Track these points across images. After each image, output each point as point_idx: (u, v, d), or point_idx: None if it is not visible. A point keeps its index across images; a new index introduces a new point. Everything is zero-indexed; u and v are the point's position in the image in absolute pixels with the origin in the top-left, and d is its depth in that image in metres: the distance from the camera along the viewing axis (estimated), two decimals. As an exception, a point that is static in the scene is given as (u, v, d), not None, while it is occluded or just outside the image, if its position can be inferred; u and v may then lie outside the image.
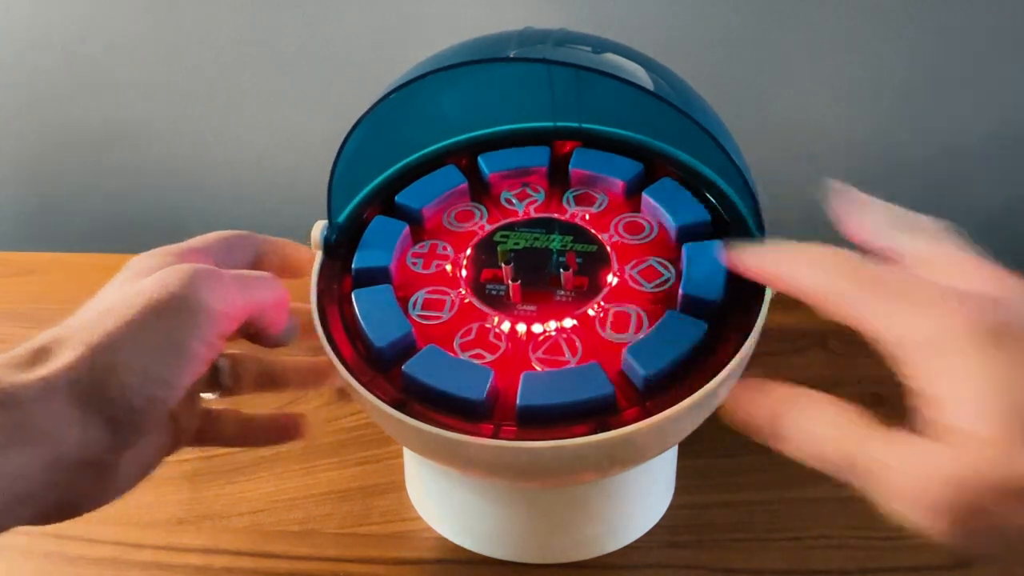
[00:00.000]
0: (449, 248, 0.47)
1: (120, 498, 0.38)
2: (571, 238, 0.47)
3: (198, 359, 0.35)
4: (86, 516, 0.54)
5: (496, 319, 0.43)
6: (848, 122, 0.71)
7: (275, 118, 0.73)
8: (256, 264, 0.43)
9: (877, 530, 0.52)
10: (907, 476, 0.29)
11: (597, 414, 0.39)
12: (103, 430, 0.33)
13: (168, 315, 0.34)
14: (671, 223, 0.46)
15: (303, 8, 0.68)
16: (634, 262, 0.46)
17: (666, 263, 0.45)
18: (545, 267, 0.45)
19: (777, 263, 0.34)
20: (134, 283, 0.36)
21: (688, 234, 0.46)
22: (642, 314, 0.43)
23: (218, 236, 0.42)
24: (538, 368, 0.41)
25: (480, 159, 0.52)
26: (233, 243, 0.42)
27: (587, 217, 0.49)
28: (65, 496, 0.34)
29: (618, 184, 0.50)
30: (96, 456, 0.33)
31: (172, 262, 0.37)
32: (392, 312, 0.43)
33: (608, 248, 0.46)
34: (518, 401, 0.39)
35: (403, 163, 0.52)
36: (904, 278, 0.31)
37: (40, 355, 0.33)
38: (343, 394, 0.61)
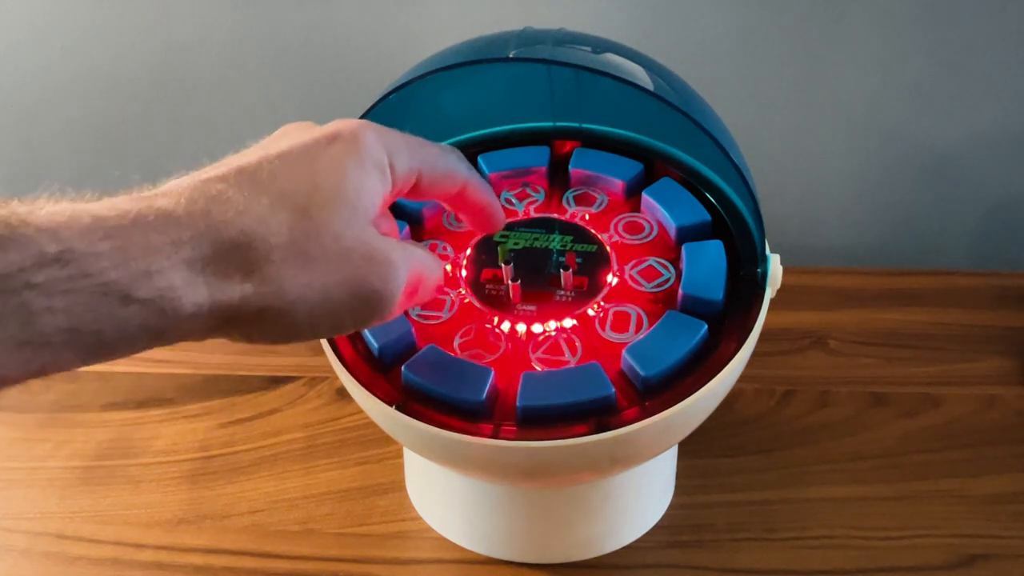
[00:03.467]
0: (449, 248, 0.47)
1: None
2: (571, 238, 0.47)
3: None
4: (86, 516, 0.54)
5: (496, 319, 0.43)
6: (848, 122, 0.71)
7: (275, 118, 0.73)
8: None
9: (877, 530, 0.52)
10: None
11: (597, 414, 0.39)
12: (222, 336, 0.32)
13: (358, 312, 0.33)
14: (671, 223, 0.46)
15: (303, 8, 0.68)
16: (634, 262, 0.46)
17: (666, 263, 0.45)
18: (545, 267, 0.45)
19: None
20: (347, 230, 0.32)
21: (688, 234, 0.46)
22: (642, 314, 0.43)
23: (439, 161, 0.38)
24: (538, 368, 0.41)
25: (480, 159, 0.52)
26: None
27: (587, 217, 0.49)
28: None
29: (618, 184, 0.50)
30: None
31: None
32: (392, 312, 0.43)
33: (608, 248, 0.46)
34: (518, 401, 0.39)
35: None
36: None
37: (234, 262, 0.30)
38: (343, 394, 0.61)
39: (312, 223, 0.31)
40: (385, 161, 0.34)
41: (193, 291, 0.29)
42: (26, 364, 0.26)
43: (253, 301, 0.30)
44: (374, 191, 0.33)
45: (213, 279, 0.29)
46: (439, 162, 0.37)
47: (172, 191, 0.30)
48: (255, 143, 0.34)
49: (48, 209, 0.27)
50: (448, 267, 0.46)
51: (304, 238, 0.31)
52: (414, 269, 0.34)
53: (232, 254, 0.30)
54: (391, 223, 0.39)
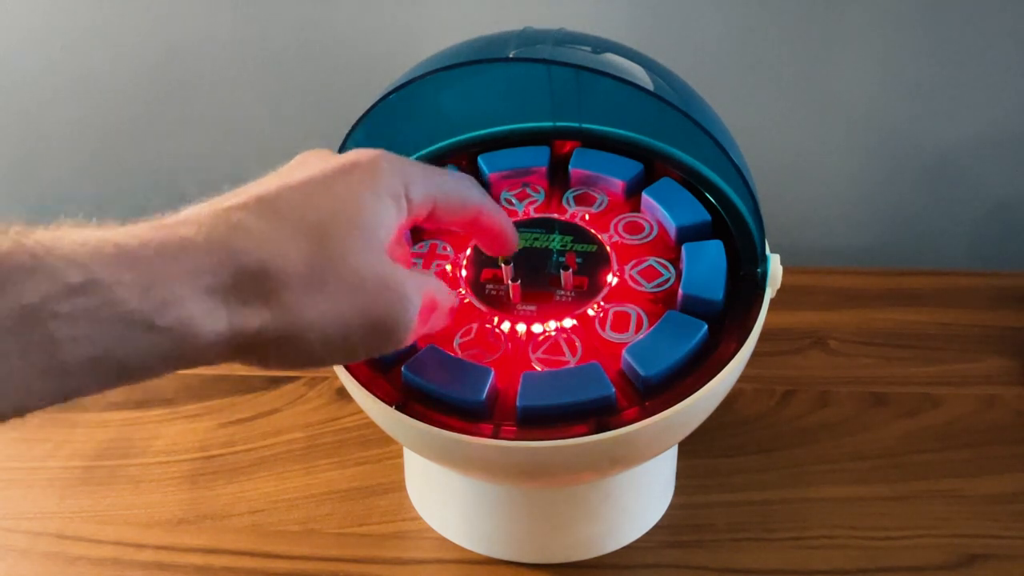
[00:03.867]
0: (449, 248, 0.47)
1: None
2: (571, 238, 0.47)
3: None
4: (86, 516, 0.54)
5: (496, 319, 0.43)
6: (849, 122, 0.71)
7: (275, 118, 0.73)
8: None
9: (877, 530, 0.52)
10: None
11: (597, 414, 0.39)
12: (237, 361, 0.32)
13: (369, 339, 0.33)
14: (671, 223, 0.46)
15: (303, 8, 0.68)
16: (634, 262, 0.46)
17: (666, 263, 0.45)
18: (545, 267, 0.45)
19: None
20: (360, 257, 0.32)
21: (688, 234, 0.46)
22: (642, 314, 0.43)
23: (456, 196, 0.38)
24: (538, 368, 0.41)
25: (480, 159, 0.52)
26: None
27: (587, 217, 0.49)
28: None
29: (618, 184, 0.50)
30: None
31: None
32: (392, 312, 0.43)
33: (608, 248, 0.46)
34: (518, 401, 0.39)
35: (403, 163, 0.52)
36: None
37: (253, 290, 0.30)
38: (343, 394, 0.61)
39: (329, 252, 0.32)
40: (401, 191, 0.34)
41: (213, 319, 0.29)
42: (50, 392, 0.27)
43: (271, 329, 0.31)
44: (389, 220, 0.34)
45: (233, 307, 0.30)
46: (453, 190, 0.37)
47: (192, 219, 0.30)
48: (273, 171, 0.35)
49: (72, 238, 0.27)
50: (448, 267, 0.46)
51: (321, 267, 0.31)
52: (427, 297, 0.35)
53: (251, 283, 0.30)
54: (405, 250, 0.39)
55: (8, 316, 0.25)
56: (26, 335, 0.26)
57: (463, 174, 0.39)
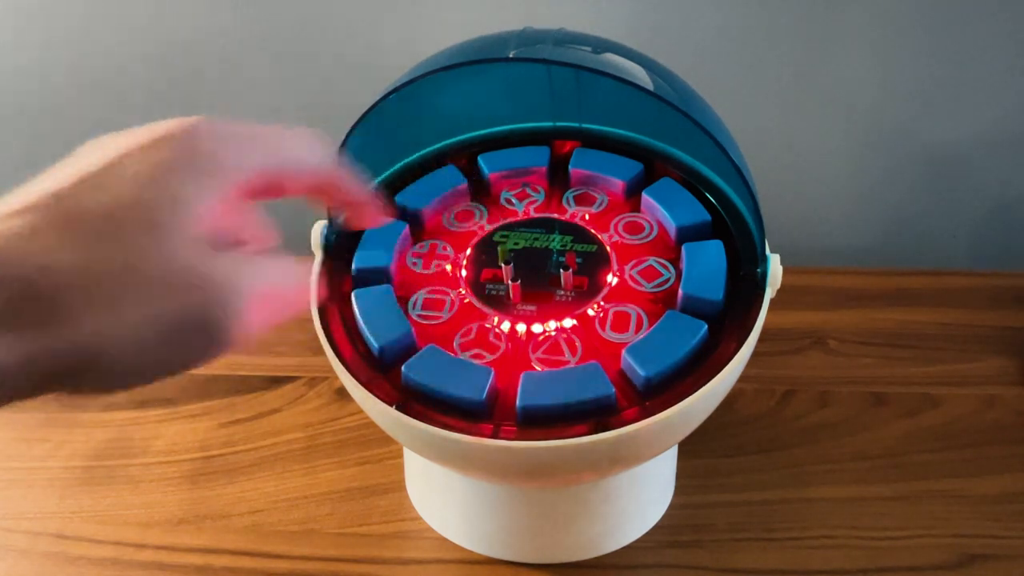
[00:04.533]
0: (449, 248, 0.47)
1: None
2: (571, 238, 0.47)
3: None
4: (86, 516, 0.54)
5: (496, 319, 0.43)
6: (849, 122, 0.71)
7: (274, 118, 0.73)
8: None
9: (877, 530, 0.52)
10: None
11: (597, 414, 0.39)
12: (45, 390, 0.27)
13: (180, 342, 0.28)
14: (671, 223, 0.46)
15: (303, 8, 0.68)
16: (634, 262, 0.46)
17: (666, 263, 0.45)
18: (545, 267, 0.45)
19: None
20: (155, 248, 0.28)
21: (688, 234, 0.46)
22: (642, 314, 0.43)
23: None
24: (538, 368, 0.41)
25: (480, 159, 0.52)
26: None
27: (587, 217, 0.49)
28: None
29: (618, 184, 0.50)
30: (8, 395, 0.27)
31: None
32: (392, 312, 0.43)
33: (608, 248, 0.46)
34: (518, 401, 0.39)
35: (403, 163, 0.52)
36: None
37: (33, 311, 0.26)
38: (343, 394, 0.61)
39: (120, 252, 0.27)
40: (218, 162, 0.29)
41: None
42: None
43: (61, 351, 0.26)
44: (201, 199, 0.29)
45: (9, 332, 0.25)
46: (290, 157, 0.33)
47: None
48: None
49: None
50: (448, 267, 0.46)
51: (109, 273, 0.27)
52: (261, 285, 0.30)
53: (23, 301, 0.25)
54: (251, 226, 0.34)
55: None
56: None
57: (309, 133, 0.34)
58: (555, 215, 0.49)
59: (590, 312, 0.43)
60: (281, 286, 0.32)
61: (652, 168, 0.51)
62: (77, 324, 0.26)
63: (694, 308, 0.42)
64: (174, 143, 0.29)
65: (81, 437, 0.60)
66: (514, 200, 0.50)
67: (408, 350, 0.42)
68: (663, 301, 0.44)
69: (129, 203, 0.27)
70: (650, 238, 0.47)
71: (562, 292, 0.44)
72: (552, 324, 0.43)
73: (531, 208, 0.50)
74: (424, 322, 0.44)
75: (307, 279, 0.35)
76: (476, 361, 0.41)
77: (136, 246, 0.27)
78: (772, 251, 0.43)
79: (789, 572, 0.50)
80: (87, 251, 0.26)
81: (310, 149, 0.33)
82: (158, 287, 0.27)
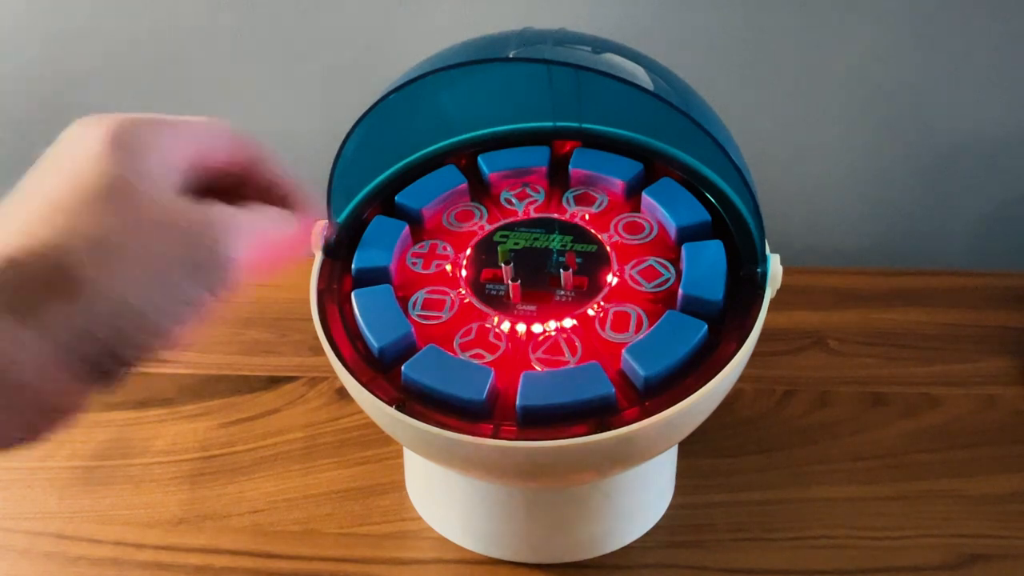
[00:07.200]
0: (449, 248, 0.47)
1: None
2: (571, 238, 0.47)
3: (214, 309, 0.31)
4: (86, 516, 0.54)
5: (496, 319, 0.43)
6: (849, 122, 0.71)
7: (274, 118, 0.73)
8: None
9: (877, 530, 0.52)
10: None
11: (597, 414, 0.39)
12: (89, 377, 0.29)
13: (198, 278, 0.30)
14: (671, 223, 0.46)
15: (302, 7, 0.68)
16: (634, 262, 0.46)
17: (666, 263, 0.45)
18: (545, 267, 0.45)
19: None
20: (151, 202, 0.30)
21: (688, 234, 0.46)
22: (642, 314, 0.43)
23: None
24: (538, 368, 0.41)
25: (480, 159, 0.52)
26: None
27: (587, 217, 0.49)
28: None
29: (618, 184, 0.50)
30: (61, 403, 0.29)
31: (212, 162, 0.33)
32: (392, 312, 0.43)
33: (608, 248, 0.46)
34: (518, 401, 0.39)
35: (403, 163, 0.52)
36: None
37: (38, 290, 0.27)
38: (343, 394, 0.61)
39: (106, 220, 0.29)
40: (155, 142, 0.32)
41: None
42: None
43: (90, 325, 0.28)
44: (170, 166, 0.31)
45: (36, 320, 0.27)
46: (210, 131, 0.34)
47: None
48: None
49: None
50: (448, 267, 0.46)
51: (106, 236, 0.29)
52: (249, 225, 0.33)
53: (40, 283, 0.27)
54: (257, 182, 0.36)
55: None
56: None
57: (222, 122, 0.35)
58: (555, 215, 0.49)
59: (590, 312, 0.43)
60: (273, 228, 0.34)
61: (652, 168, 0.51)
62: (96, 291, 0.28)
63: (694, 308, 0.42)
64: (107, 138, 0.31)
65: (81, 437, 0.60)
66: (514, 200, 0.50)
67: (408, 350, 0.42)
68: (663, 301, 0.44)
69: (107, 181, 0.29)
70: (650, 238, 0.47)
71: (562, 292, 0.44)
72: (552, 324, 0.43)
73: (531, 208, 0.50)
74: (424, 322, 0.44)
75: (298, 225, 0.36)
76: (476, 361, 0.41)
77: (127, 208, 0.29)
78: (772, 251, 0.43)
79: (789, 572, 0.50)
80: (88, 226, 0.28)
81: (227, 131, 0.35)
82: (159, 233, 0.30)
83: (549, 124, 0.54)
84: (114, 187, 0.29)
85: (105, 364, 0.28)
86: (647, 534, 0.52)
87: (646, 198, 0.48)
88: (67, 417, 0.29)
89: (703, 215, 0.47)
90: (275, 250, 0.34)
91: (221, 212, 0.32)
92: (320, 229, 0.46)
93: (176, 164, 0.32)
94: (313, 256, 0.43)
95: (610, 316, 0.43)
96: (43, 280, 0.27)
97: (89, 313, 0.28)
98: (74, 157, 0.30)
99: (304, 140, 0.73)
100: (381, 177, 0.51)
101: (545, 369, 0.41)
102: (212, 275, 0.31)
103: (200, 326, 0.31)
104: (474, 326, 0.43)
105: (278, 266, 0.35)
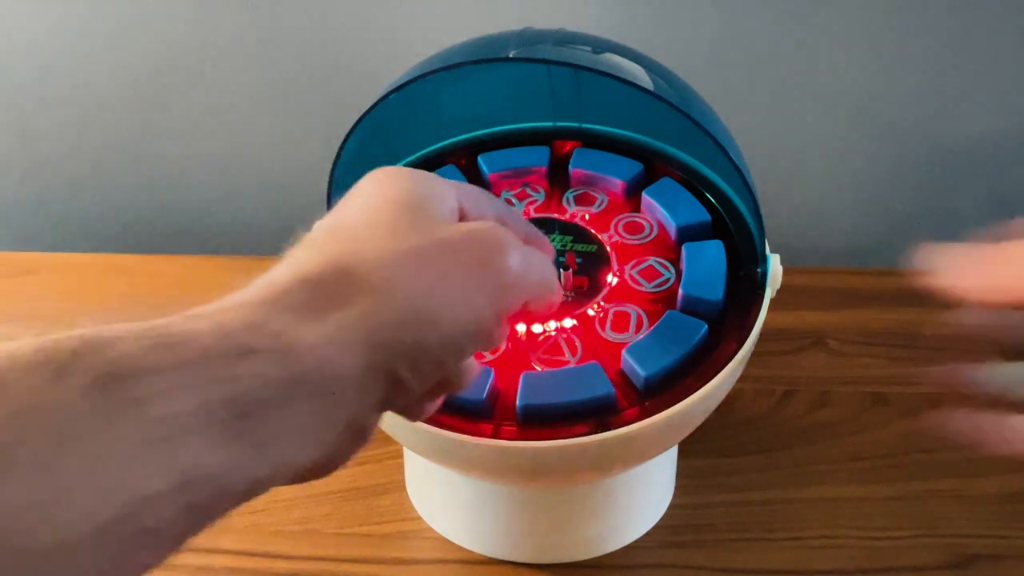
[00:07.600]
0: (449, 248, 0.47)
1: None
2: (571, 238, 0.47)
3: (498, 335, 0.32)
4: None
5: (496, 319, 0.43)
6: (849, 122, 0.71)
7: (275, 118, 0.73)
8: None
9: (877, 530, 0.52)
10: None
11: (597, 414, 0.39)
12: (385, 392, 0.29)
13: (487, 286, 0.31)
14: (671, 223, 0.46)
15: (302, 8, 0.68)
16: (634, 262, 0.46)
17: (666, 263, 0.45)
18: (545, 267, 0.45)
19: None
20: (438, 223, 0.32)
21: (688, 234, 0.46)
22: (642, 314, 0.43)
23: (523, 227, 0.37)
24: (538, 368, 0.41)
25: (480, 159, 0.52)
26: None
27: (587, 217, 0.49)
28: (327, 456, 0.29)
29: (618, 184, 0.50)
30: (366, 417, 0.29)
31: (473, 215, 0.34)
32: (392, 312, 0.43)
33: (608, 248, 0.46)
34: (518, 401, 0.39)
35: (403, 163, 0.52)
36: None
37: (332, 296, 0.28)
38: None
39: (399, 236, 0.30)
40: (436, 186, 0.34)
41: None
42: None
43: (389, 318, 0.28)
44: (450, 196, 0.33)
45: (337, 314, 0.28)
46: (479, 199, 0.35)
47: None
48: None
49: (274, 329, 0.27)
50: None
51: (400, 249, 0.30)
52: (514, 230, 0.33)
53: (339, 285, 0.29)
54: None
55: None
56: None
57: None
58: (555, 215, 0.49)
59: (590, 312, 0.43)
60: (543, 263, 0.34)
61: (652, 168, 0.51)
62: (389, 294, 0.29)
63: (694, 308, 0.42)
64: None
65: (81, 437, 0.59)
66: (514, 200, 0.50)
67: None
68: (663, 301, 0.44)
69: (399, 203, 0.32)
70: (650, 238, 0.47)
71: (562, 292, 0.44)
72: (552, 324, 0.43)
73: (531, 208, 0.50)
74: (424, 322, 0.44)
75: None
76: (476, 361, 0.41)
77: (420, 222, 0.31)
78: (772, 251, 0.43)
79: (789, 572, 0.50)
80: (377, 239, 0.30)
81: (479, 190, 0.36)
82: (450, 245, 0.31)
83: (549, 124, 0.54)
84: (408, 205, 0.31)
85: (402, 372, 0.29)
86: (647, 534, 0.52)
87: (646, 198, 0.48)
88: (366, 433, 0.30)
89: (703, 215, 0.47)
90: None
91: (498, 228, 0.32)
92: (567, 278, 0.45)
93: (452, 205, 0.33)
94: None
95: (610, 316, 0.43)
96: (332, 287, 0.28)
97: (382, 314, 0.28)
98: (364, 193, 0.32)
99: (304, 140, 0.73)
100: (381, 177, 0.51)
101: (545, 369, 0.41)
102: (496, 286, 0.31)
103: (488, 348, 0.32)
104: (474, 326, 0.43)
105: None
